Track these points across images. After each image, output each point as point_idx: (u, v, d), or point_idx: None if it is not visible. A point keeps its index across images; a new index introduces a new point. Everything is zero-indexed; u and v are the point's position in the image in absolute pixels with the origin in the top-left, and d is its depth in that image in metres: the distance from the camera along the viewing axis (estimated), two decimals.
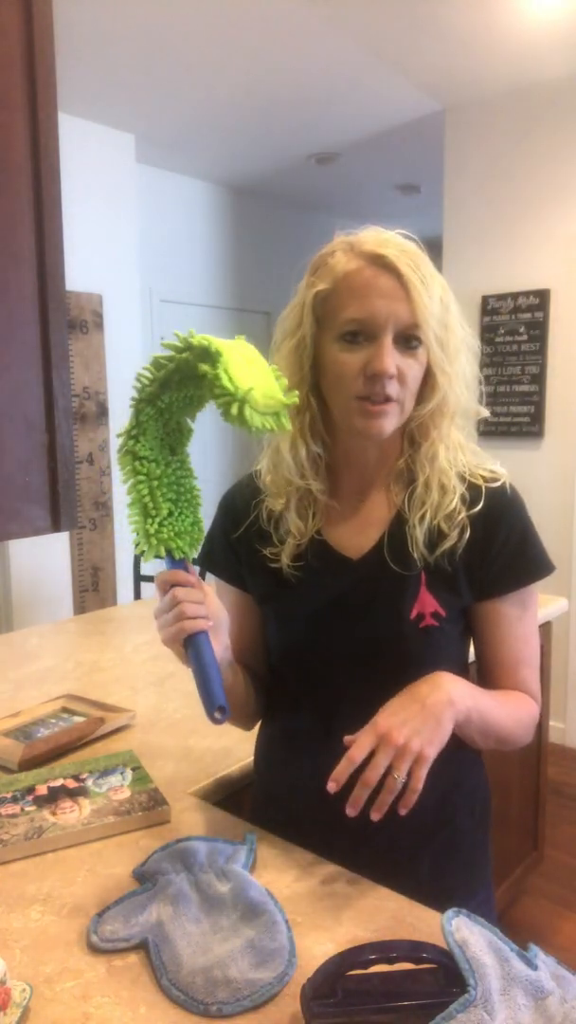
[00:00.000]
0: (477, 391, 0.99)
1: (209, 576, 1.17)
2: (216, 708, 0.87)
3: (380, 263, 0.89)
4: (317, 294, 0.93)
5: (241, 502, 1.07)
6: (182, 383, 0.83)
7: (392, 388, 0.90)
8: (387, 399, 0.90)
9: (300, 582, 1.00)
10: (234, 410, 0.76)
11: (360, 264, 0.90)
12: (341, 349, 0.91)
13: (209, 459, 4.61)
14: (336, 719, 1.01)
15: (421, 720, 0.85)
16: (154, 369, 0.84)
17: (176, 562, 0.90)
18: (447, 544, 0.95)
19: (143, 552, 0.89)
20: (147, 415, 0.86)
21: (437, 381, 0.94)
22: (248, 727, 1.14)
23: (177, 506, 0.89)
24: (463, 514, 0.95)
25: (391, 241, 0.92)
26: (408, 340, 0.90)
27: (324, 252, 0.95)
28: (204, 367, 0.78)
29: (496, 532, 0.96)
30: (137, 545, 0.89)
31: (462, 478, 0.97)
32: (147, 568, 3.53)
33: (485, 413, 1.01)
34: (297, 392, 0.83)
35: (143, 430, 0.87)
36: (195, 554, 0.91)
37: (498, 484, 0.98)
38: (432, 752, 0.84)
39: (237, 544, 1.06)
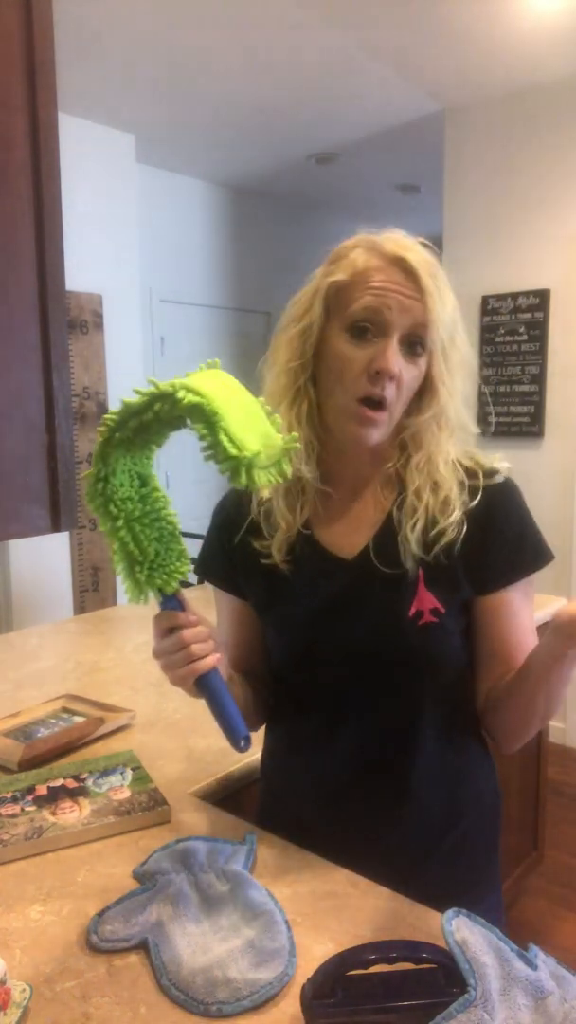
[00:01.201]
0: (473, 410, 0.99)
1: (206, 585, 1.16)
2: (242, 738, 0.87)
3: (401, 265, 0.89)
4: (332, 284, 0.92)
5: (232, 505, 1.07)
6: (162, 429, 0.77)
7: (390, 391, 0.90)
8: (381, 403, 0.90)
9: (295, 585, 1.00)
10: (242, 477, 0.70)
11: (380, 263, 0.90)
12: (348, 342, 0.91)
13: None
14: (340, 721, 1.01)
15: None
16: (125, 414, 0.76)
17: (169, 598, 0.86)
18: (444, 540, 0.94)
19: (134, 598, 0.85)
20: (116, 455, 0.79)
21: (437, 391, 0.94)
22: (252, 729, 1.13)
23: (162, 543, 0.84)
24: (458, 511, 0.94)
25: (414, 247, 0.92)
26: (413, 345, 0.90)
27: (346, 244, 0.95)
28: (201, 430, 0.71)
29: (492, 525, 0.96)
30: (127, 591, 0.84)
31: (462, 485, 0.96)
32: None
33: (477, 431, 1.00)
34: (296, 434, 0.78)
35: (112, 470, 0.80)
36: (184, 579, 0.87)
37: (494, 480, 0.97)
38: None
39: (232, 551, 1.05)
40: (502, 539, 0.96)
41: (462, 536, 0.94)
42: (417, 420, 0.95)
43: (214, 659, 0.86)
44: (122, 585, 0.84)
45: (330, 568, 0.99)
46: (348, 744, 1.01)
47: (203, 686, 0.87)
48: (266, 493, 1.01)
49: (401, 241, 0.93)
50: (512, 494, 0.98)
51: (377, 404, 0.90)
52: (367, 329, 0.90)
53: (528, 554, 0.98)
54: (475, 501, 0.95)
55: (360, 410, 0.91)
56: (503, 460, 1.00)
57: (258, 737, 1.16)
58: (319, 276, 0.95)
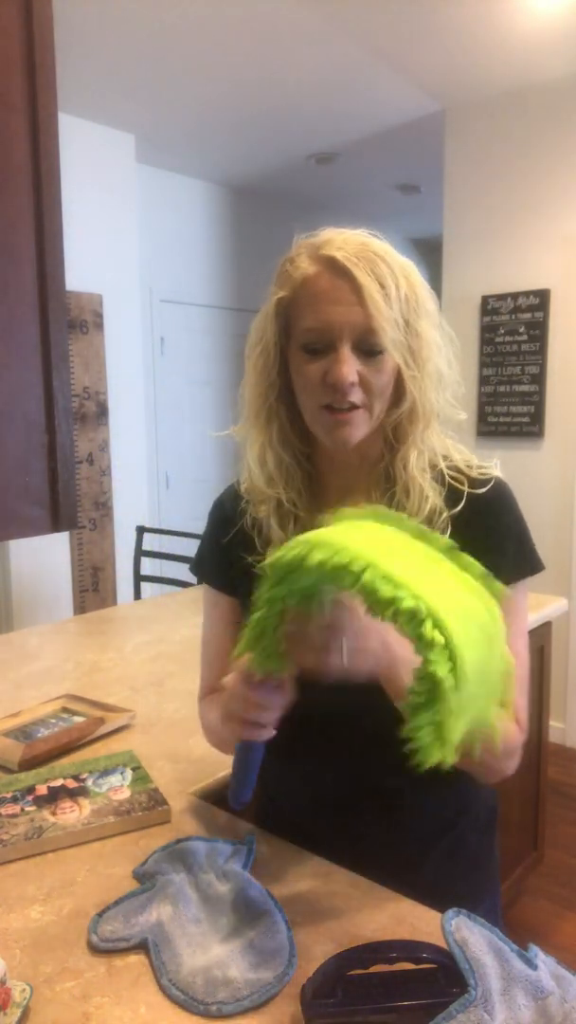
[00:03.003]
0: (456, 391, 0.96)
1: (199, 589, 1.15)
2: (241, 802, 0.91)
3: (335, 267, 0.87)
4: (279, 302, 0.93)
5: (229, 507, 1.06)
6: None
7: (355, 395, 0.89)
8: (352, 407, 0.89)
9: None
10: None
11: (317, 269, 0.89)
12: (303, 359, 0.91)
13: (208, 459, 4.62)
14: (334, 727, 1.01)
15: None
16: (360, 590, 0.67)
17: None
18: None
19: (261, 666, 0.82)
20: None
21: (406, 386, 0.92)
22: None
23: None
24: (445, 514, 0.93)
25: (349, 242, 0.90)
26: (369, 347, 0.89)
27: (286, 258, 0.94)
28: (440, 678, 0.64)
29: (479, 533, 0.93)
30: (258, 661, 0.81)
31: (442, 481, 0.95)
32: (147, 568, 3.52)
33: (463, 416, 0.98)
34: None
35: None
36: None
37: (481, 486, 0.95)
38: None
39: (228, 549, 1.04)
40: (486, 547, 0.91)
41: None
42: (394, 415, 0.94)
43: (270, 732, 0.87)
44: (246, 650, 0.82)
45: None
46: (343, 749, 1.01)
47: (248, 747, 0.89)
48: (260, 511, 1.00)
49: (334, 240, 0.90)
50: (500, 501, 0.96)
51: (347, 409, 0.89)
52: (316, 343, 0.89)
53: (512, 564, 0.95)
54: (459, 507, 0.93)
55: (326, 415, 0.90)
56: (496, 466, 0.98)
57: None
58: (269, 295, 0.95)
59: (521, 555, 0.96)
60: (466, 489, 0.94)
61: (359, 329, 0.87)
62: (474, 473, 0.96)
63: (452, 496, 0.94)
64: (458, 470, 0.96)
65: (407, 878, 0.96)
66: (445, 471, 0.96)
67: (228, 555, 1.05)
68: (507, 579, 0.93)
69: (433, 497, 0.93)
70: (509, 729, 0.92)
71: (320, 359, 0.89)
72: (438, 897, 0.91)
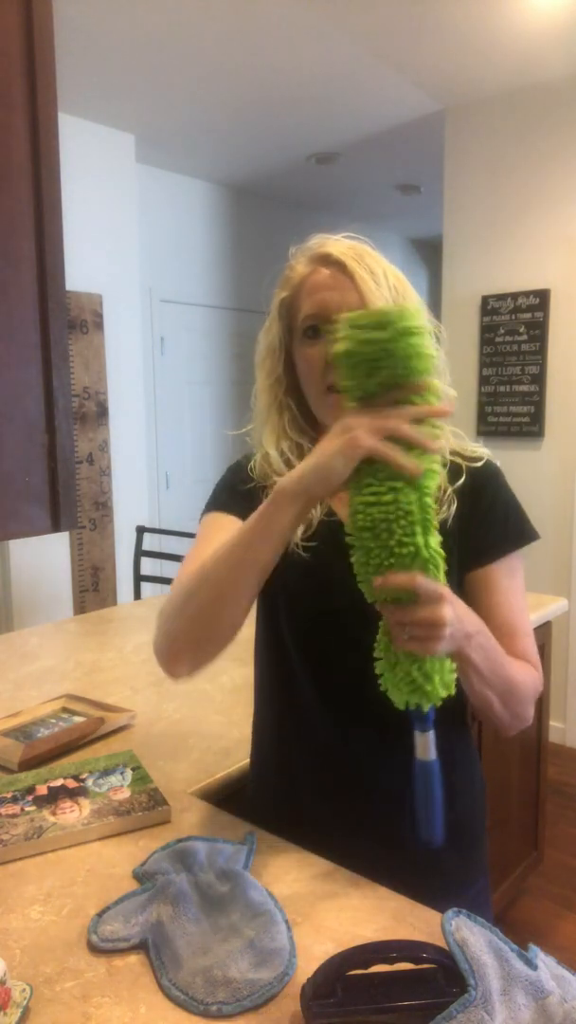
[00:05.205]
0: (446, 376, 0.99)
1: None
2: (431, 837, 0.82)
3: (327, 261, 0.97)
4: (281, 302, 1.02)
5: (248, 474, 1.07)
6: None
7: None
8: None
9: (310, 560, 1.00)
10: None
11: (311, 266, 0.99)
12: (305, 345, 0.98)
13: (208, 459, 4.62)
14: (330, 699, 1.02)
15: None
16: None
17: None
18: (437, 517, 0.94)
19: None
20: None
21: None
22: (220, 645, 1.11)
23: None
24: (449, 489, 0.99)
25: (337, 241, 1.00)
26: None
27: (287, 266, 1.04)
28: None
29: (480, 502, 1.01)
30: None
31: (443, 462, 0.99)
32: (147, 568, 3.53)
33: (453, 393, 1.00)
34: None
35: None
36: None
37: (479, 463, 1.02)
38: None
39: (250, 495, 1.04)
40: (489, 516, 1.01)
41: (452, 513, 0.98)
42: None
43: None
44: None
45: (342, 541, 0.99)
46: (341, 729, 1.02)
47: (422, 772, 0.83)
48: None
49: (323, 241, 1.01)
50: (496, 474, 1.04)
51: None
52: (317, 329, 0.96)
53: (512, 532, 1.02)
54: (460, 481, 0.99)
55: (327, 398, 0.96)
56: (484, 449, 1.04)
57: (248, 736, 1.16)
58: (272, 301, 1.04)
59: (519, 523, 1.03)
60: (465, 464, 1.01)
61: (353, 309, 0.92)
62: (468, 454, 1.03)
63: (453, 472, 1.00)
64: (454, 452, 1.03)
65: (405, 862, 0.97)
66: (447, 449, 1.01)
67: (250, 499, 1.03)
68: (508, 547, 1.02)
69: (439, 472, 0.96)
70: (529, 671, 0.97)
71: (320, 343, 0.95)
72: (434, 879, 0.92)
